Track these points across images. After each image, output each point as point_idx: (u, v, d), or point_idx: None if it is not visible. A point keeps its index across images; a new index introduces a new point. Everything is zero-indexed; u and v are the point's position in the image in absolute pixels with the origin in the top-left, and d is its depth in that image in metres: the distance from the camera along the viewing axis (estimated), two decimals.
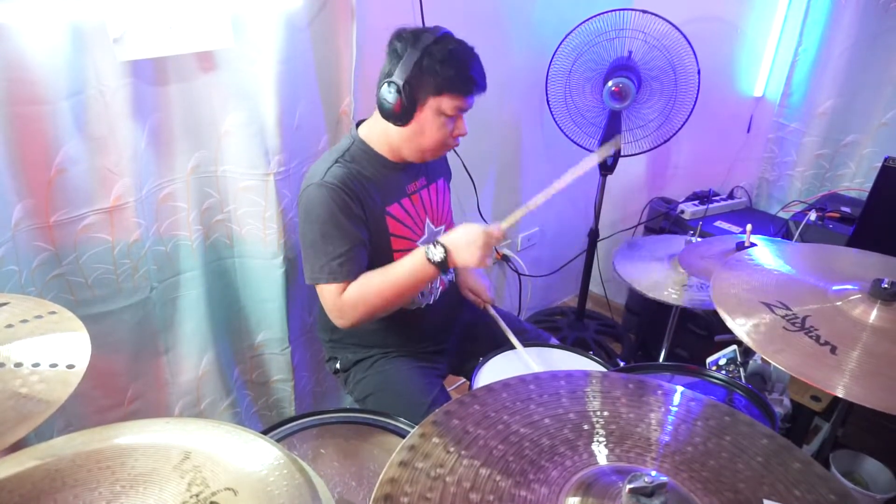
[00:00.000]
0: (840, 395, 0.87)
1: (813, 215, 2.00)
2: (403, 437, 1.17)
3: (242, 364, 1.80)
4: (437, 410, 0.78)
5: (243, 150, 1.50)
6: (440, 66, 1.27)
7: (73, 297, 1.35)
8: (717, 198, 2.34)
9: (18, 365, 0.80)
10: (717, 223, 2.21)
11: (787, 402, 1.53)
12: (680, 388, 0.86)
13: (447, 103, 1.30)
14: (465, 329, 1.70)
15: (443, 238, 1.34)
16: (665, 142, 2.20)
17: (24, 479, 0.69)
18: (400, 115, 1.31)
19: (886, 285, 1.00)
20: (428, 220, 1.52)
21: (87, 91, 1.23)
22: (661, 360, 1.90)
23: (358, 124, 1.46)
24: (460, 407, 0.79)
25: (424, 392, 1.47)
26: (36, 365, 0.81)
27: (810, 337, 0.97)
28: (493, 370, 1.42)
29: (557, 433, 0.76)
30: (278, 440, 1.17)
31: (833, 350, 0.94)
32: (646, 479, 0.62)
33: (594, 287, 2.80)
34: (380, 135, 1.40)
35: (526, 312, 2.84)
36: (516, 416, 0.79)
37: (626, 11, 2.06)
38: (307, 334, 1.85)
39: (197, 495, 0.68)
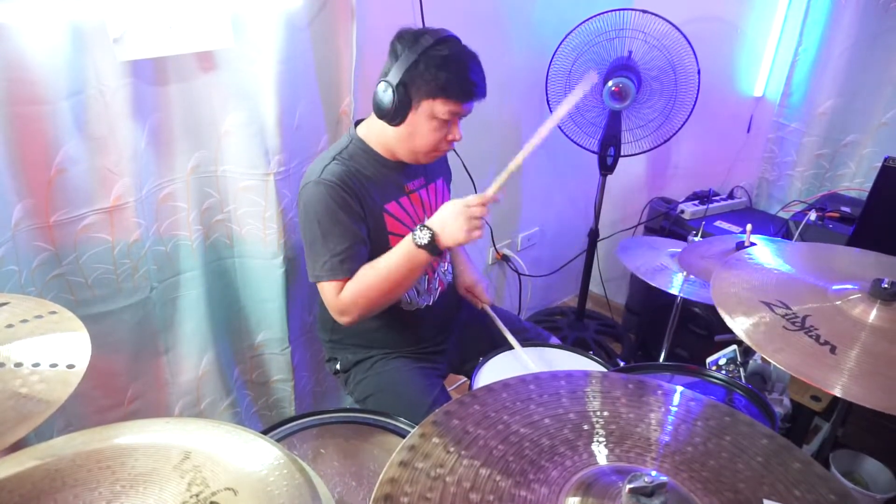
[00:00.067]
0: (839, 395, 0.87)
1: (813, 215, 2.00)
2: (403, 437, 1.17)
3: (242, 364, 1.80)
4: (437, 410, 0.78)
5: (243, 149, 1.50)
6: (436, 70, 1.26)
7: (73, 297, 1.35)
8: (717, 198, 2.34)
9: (18, 365, 0.80)
10: (717, 223, 2.21)
11: (787, 401, 1.53)
12: (680, 388, 0.86)
13: (441, 107, 1.30)
14: (465, 329, 1.70)
15: (427, 220, 1.32)
16: (665, 142, 2.20)
17: (24, 479, 0.69)
18: (393, 115, 1.32)
19: (886, 285, 1.00)
20: (426, 219, 1.52)
21: (87, 91, 1.23)
22: (661, 360, 1.89)
23: (357, 123, 1.46)
24: (460, 407, 0.79)
25: (425, 393, 1.47)
26: (36, 365, 0.81)
27: (810, 336, 0.97)
28: (493, 370, 1.42)
29: (557, 433, 0.76)
30: (278, 440, 1.17)
31: (833, 350, 0.94)
32: (646, 479, 0.62)
33: (594, 287, 2.80)
34: (378, 134, 1.40)
35: (526, 312, 2.84)
36: (516, 416, 0.79)
37: (626, 11, 2.06)
38: (307, 334, 1.85)
39: (197, 495, 0.68)
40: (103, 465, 0.72)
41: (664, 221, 2.34)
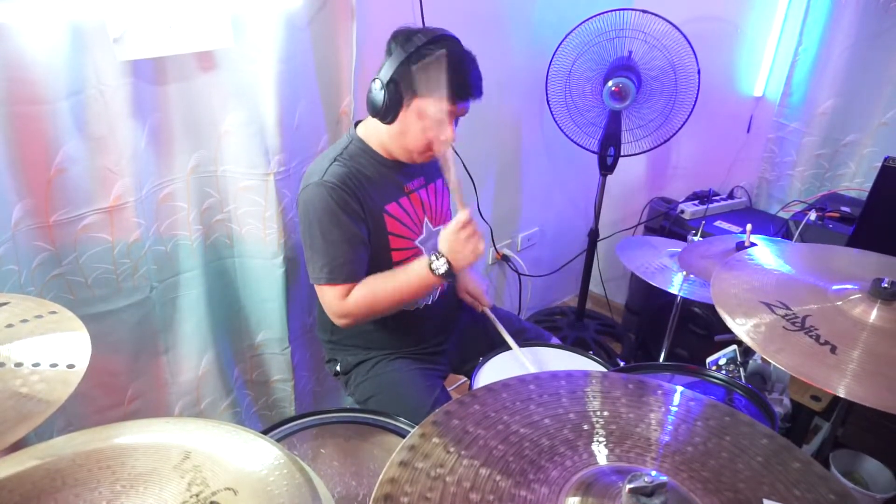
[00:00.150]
0: (840, 395, 0.87)
1: (813, 215, 2.00)
2: (403, 437, 1.17)
3: (242, 364, 1.80)
4: (437, 410, 0.78)
5: (243, 149, 1.50)
6: (426, 69, 1.26)
7: (73, 296, 1.35)
8: (717, 198, 2.34)
9: (19, 364, 0.80)
10: (717, 223, 2.21)
11: (787, 401, 1.53)
12: (680, 388, 0.86)
13: (432, 106, 1.29)
14: (465, 329, 1.70)
15: (440, 248, 1.33)
16: (665, 142, 2.20)
17: (25, 479, 0.69)
18: (385, 113, 1.32)
19: (886, 285, 1.00)
20: (426, 220, 1.52)
21: (86, 91, 1.23)
22: (661, 360, 1.90)
23: (357, 124, 1.47)
24: (460, 407, 0.79)
25: (426, 394, 1.47)
26: (36, 364, 0.81)
27: (810, 336, 0.97)
28: (493, 370, 1.42)
29: (557, 433, 0.76)
30: (278, 440, 1.17)
31: (833, 350, 0.94)
32: (646, 479, 0.62)
33: (594, 287, 2.80)
34: (376, 134, 1.41)
35: (526, 312, 2.84)
36: (516, 416, 0.78)
37: (626, 11, 2.06)
38: (307, 334, 1.85)
39: (197, 495, 0.68)
40: (103, 465, 0.72)
41: (664, 221, 2.34)
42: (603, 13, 2.07)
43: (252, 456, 0.74)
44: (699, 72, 2.05)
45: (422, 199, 1.51)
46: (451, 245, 1.32)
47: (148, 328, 1.50)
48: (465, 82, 1.30)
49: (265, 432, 1.18)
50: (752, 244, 1.51)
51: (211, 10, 1.31)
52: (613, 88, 2.09)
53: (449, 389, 2.02)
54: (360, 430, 1.23)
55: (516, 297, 2.75)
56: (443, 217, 1.58)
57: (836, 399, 1.60)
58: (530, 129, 2.45)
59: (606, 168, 2.31)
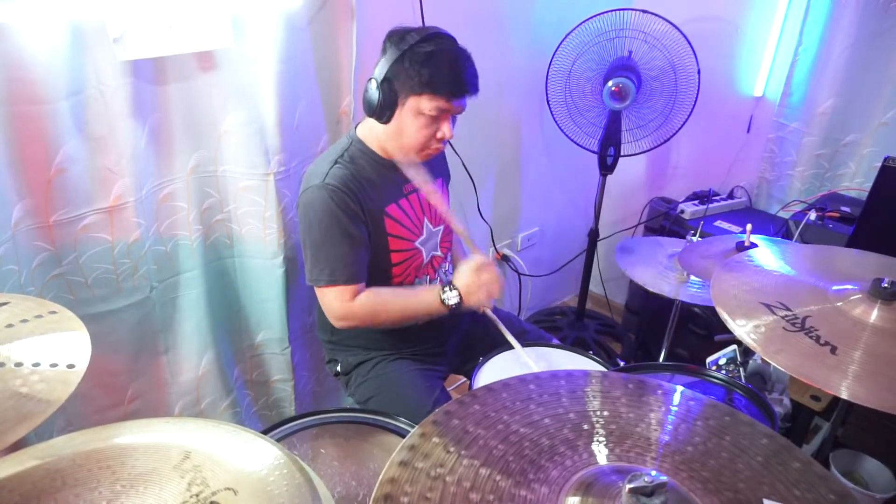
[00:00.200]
0: (841, 396, 0.87)
1: (813, 215, 2.00)
2: (403, 436, 1.17)
3: (242, 364, 1.80)
4: (437, 410, 0.78)
5: (243, 149, 1.50)
6: (420, 66, 1.26)
7: (72, 296, 1.35)
8: (717, 198, 2.34)
9: (19, 364, 0.80)
10: (717, 223, 2.21)
11: (787, 401, 1.53)
12: (680, 388, 0.86)
13: (427, 104, 1.29)
14: (465, 329, 1.70)
15: (455, 281, 1.39)
16: (665, 142, 2.20)
17: (25, 479, 0.69)
18: (380, 112, 1.32)
19: (886, 285, 1.00)
20: (426, 221, 1.52)
21: (86, 91, 1.23)
22: (661, 359, 1.90)
23: (357, 125, 1.47)
24: (460, 407, 0.79)
25: (426, 395, 1.47)
26: (36, 364, 0.81)
27: (810, 337, 0.97)
28: (493, 370, 1.42)
29: (557, 433, 0.76)
30: (278, 440, 1.17)
31: (833, 350, 0.94)
32: (646, 479, 0.62)
33: (594, 287, 2.80)
34: (375, 134, 1.41)
35: (526, 312, 2.84)
36: (516, 415, 0.78)
37: (626, 11, 2.06)
38: (307, 334, 1.85)
39: (197, 495, 0.68)
40: (103, 465, 0.72)
41: (664, 221, 2.34)
42: (603, 13, 2.07)
43: (252, 456, 0.74)
44: (699, 72, 2.05)
45: (421, 200, 1.51)
46: (468, 283, 1.37)
47: (148, 328, 1.50)
48: (459, 79, 1.30)
49: (265, 432, 1.18)
50: (752, 244, 1.52)
51: (211, 10, 1.31)
52: (613, 88, 2.09)
53: (449, 389, 2.02)
54: (360, 430, 1.23)
55: (516, 297, 2.75)
56: (443, 217, 1.58)
57: (836, 399, 1.60)
58: (530, 129, 2.45)
59: (606, 168, 2.31)
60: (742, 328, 1.01)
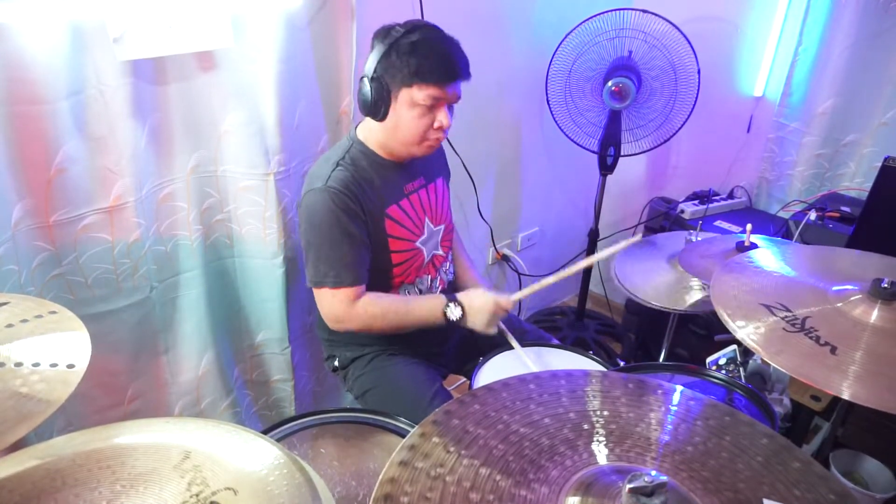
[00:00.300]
0: (842, 396, 0.87)
1: (813, 215, 2.00)
2: (403, 436, 1.17)
3: (242, 364, 1.80)
4: (437, 410, 0.78)
5: (243, 149, 1.50)
6: (407, 56, 1.27)
7: (72, 296, 1.35)
8: (717, 197, 2.34)
9: (19, 364, 0.80)
10: (717, 223, 2.21)
11: (786, 401, 1.52)
12: (680, 388, 0.86)
13: (419, 93, 1.29)
14: (465, 330, 1.69)
15: (462, 298, 1.43)
16: (665, 142, 2.20)
17: (25, 479, 0.69)
18: (375, 109, 1.33)
19: (886, 285, 1.00)
20: (427, 220, 1.52)
21: (86, 91, 1.23)
22: (661, 359, 1.89)
23: (357, 126, 1.47)
24: (460, 407, 0.79)
25: (424, 388, 1.47)
26: (36, 364, 0.81)
27: (810, 338, 0.97)
28: (493, 370, 1.42)
29: (557, 433, 0.76)
30: (278, 440, 1.17)
31: (833, 350, 0.94)
32: (646, 479, 0.62)
33: (594, 287, 2.80)
34: (374, 134, 1.40)
35: (526, 312, 2.84)
36: (516, 415, 0.79)
37: (626, 11, 2.06)
38: (307, 334, 1.85)
39: (197, 495, 0.68)
40: (103, 465, 0.72)
41: (664, 221, 2.34)
42: (603, 13, 2.07)
43: (252, 456, 0.74)
44: (699, 72, 2.05)
45: (422, 200, 1.51)
46: (480, 309, 1.42)
47: (148, 328, 1.50)
48: (448, 64, 1.30)
49: (265, 432, 1.18)
50: (752, 244, 1.52)
51: (211, 10, 1.31)
52: (613, 88, 2.08)
53: (449, 389, 2.02)
54: (360, 430, 1.23)
55: None
56: (443, 216, 1.58)
57: (836, 399, 1.60)
58: (530, 129, 2.45)
59: (606, 168, 2.31)
60: (742, 329, 1.01)
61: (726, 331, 1.04)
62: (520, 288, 2.72)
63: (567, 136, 2.27)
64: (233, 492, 0.68)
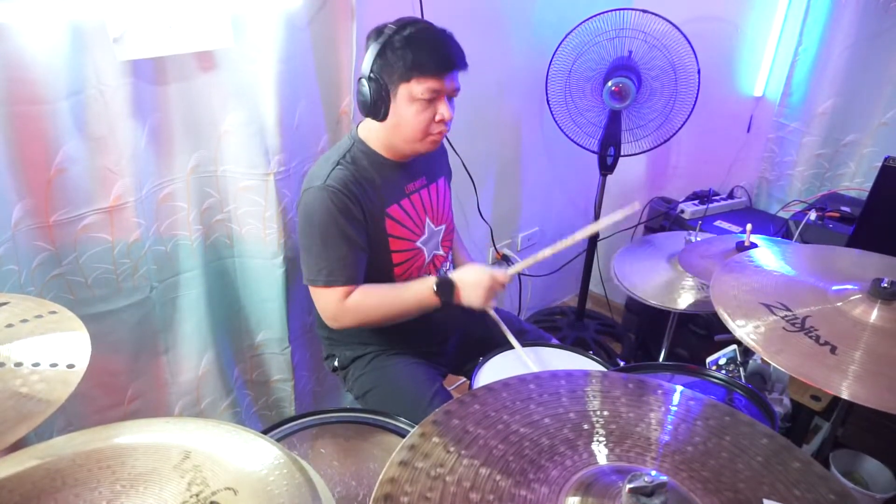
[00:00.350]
0: (841, 396, 0.87)
1: (813, 215, 2.00)
2: (403, 436, 1.17)
3: (242, 364, 1.80)
4: (437, 410, 0.78)
5: (243, 149, 1.50)
6: (401, 52, 1.27)
7: (72, 296, 1.35)
8: (717, 197, 2.34)
9: (18, 364, 0.80)
10: (717, 223, 2.21)
11: (786, 401, 1.52)
12: (680, 388, 0.86)
13: (417, 87, 1.29)
14: (465, 330, 1.70)
15: (453, 275, 1.39)
16: (665, 142, 2.20)
17: (25, 479, 0.69)
18: (375, 109, 1.33)
19: (886, 285, 1.00)
20: (428, 220, 1.52)
21: (86, 91, 1.23)
22: (661, 359, 1.89)
23: (358, 126, 1.47)
24: (460, 407, 0.79)
25: (425, 388, 1.47)
26: (36, 364, 0.81)
27: (810, 337, 0.97)
28: (493, 370, 1.42)
29: (557, 433, 0.76)
30: (278, 440, 1.17)
31: (833, 350, 0.94)
32: (646, 479, 0.62)
33: (594, 287, 2.80)
34: (376, 134, 1.40)
35: (526, 312, 2.84)
36: (516, 415, 0.79)
37: (626, 11, 2.06)
38: (307, 334, 1.85)
39: (197, 495, 0.68)
40: (103, 465, 0.72)
41: (664, 221, 2.34)
42: (603, 13, 2.07)
43: (252, 456, 0.74)
44: (699, 72, 2.05)
45: (423, 200, 1.51)
46: (473, 278, 1.38)
47: (148, 328, 1.50)
48: (443, 55, 1.29)
49: (265, 432, 1.18)
50: (752, 244, 1.52)
51: (211, 10, 1.31)
52: (613, 88, 2.09)
53: (449, 389, 2.02)
54: (360, 430, 1.23)
55: (516, 297, 2.75)
56: (444, 216, 1.58)
57: (836, 399, 1.60)
58: (530, 129, 2.45)
59: (606, 168, 2.31)
60: (742, 328, 1.01)
61: (726, 331, 1.04)
62: (520, 289, 2.75)
63: (567, 136, 2.27)
64: (233, 492, 0.68)
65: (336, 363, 1.60)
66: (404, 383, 1.49)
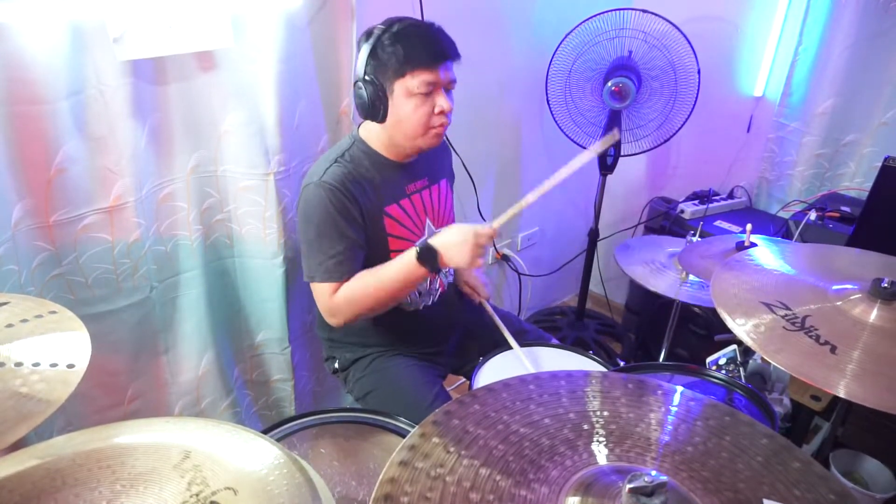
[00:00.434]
0: (840, 395, 0.87)
1: (813, 215, 2.00)
2: (403, 436, 1.17)
3: (242, 364, 1.80)
4: (437, 410, 0.78)
5: (243, 149, 1.50)
6: (392, 49, 1.27)
7: (72, 296, 1.35)
8: (717, 197, 2.34)
9: (19, 364, 0.80)
10: (717, 223, 2.21)
11: (786, 401, 1.53)
12: (680, 388, 0.86)
13: (412, 81, 1.28)
14: (465, 330, 1.70)
15: (432, 239, 1.31)
16: (665, 142, 2.20)
17: (25, 479, 0.69)
18: (374, 110, 1.33)
19: (886, 285, 1.00)
20: (428, 221, 1.52)
21: (86, 91, 1.23)
22: (661, 359, 1.89)
23: (359, 126, 1.47)
24: (460, 407, 0.79)
25: (425, 389, 1.47)
26: (36, 364, 0.81)
27: (810, 337, 0.97)
28: (493, 370, 1.42)
29: (557, 433, 0.76)
30: (278, 440, 1.17)
31: (833, 349, 0.94)
32: (646, 479, 0.62)
33: (594, 287, 2.80)
34: (376, 134, 1.40)
35: (526, 312, 2.84)
36: (516, 415, 0.79)
37: (626, 11, 2.06)
38: (307, 334, 1.85)
39: (197, 495, 0.68)
40: (103, 465, 0.72)
41: (664, 221, 2.34)
42: (603, 13, 2.07)
43: (252, 456, 0.74)
44: (699, 72, 2.05)
45: (424, 201, 1.50)
46: (453, 237, 1.29)
47: (148, 328, 1.50)
48: (434, 46, 1.29)
49: (265, 432, 1.18)
50: (752, 244, 1.51)
51: (211, 10, 1.31)
52: (613, 88, 2.09)
53: (449, 389, 2.02)
54: (360, 429, 1.23)
55: (516, 297, 2.75)
56: (445, 218, 1.58)
57: (835, 399, 1.60)
58: (530, 129, 2.45)
59: (606, 168, 2.31)
60: (742, 327, 1.01)
61: (726, 331, 1.04)
62: (520, 289, 2.75)
63: (567, 136, 2.27)
64: (233, 492, 0.68)
65: (336, 365, 1.60)
66: (405, 385, 1.49)
